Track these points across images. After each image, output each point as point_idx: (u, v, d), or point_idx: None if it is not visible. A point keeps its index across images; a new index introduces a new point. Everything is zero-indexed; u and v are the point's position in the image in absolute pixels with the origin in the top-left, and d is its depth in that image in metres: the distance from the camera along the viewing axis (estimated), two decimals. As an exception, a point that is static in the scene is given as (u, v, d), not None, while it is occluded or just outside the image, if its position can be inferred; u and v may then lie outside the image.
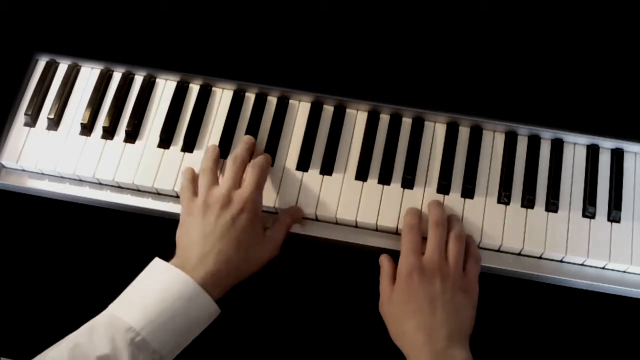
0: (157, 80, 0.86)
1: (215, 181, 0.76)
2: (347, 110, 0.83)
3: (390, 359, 0.74)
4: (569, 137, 0.81)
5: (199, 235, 0.72)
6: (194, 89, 0.85)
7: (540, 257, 0.78)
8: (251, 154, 0.79)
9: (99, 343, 0.65)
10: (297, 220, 0.79)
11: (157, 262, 0.71)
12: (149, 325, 0.66)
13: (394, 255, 0.77)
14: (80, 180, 0.83)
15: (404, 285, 0.72)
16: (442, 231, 0.75)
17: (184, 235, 0.74)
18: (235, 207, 0.73)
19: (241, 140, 0.80)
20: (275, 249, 0.76)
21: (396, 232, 0.79)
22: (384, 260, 0.77)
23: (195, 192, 0.76)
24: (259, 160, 0.77)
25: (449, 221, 0.76)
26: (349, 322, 0.78)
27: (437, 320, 0.69)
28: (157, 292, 0.68)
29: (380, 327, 0.74)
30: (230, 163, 0.76)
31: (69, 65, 0.87)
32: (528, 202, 0.79)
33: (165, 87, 0.86)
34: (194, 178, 0.78)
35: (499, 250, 0.79)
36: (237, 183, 0.75)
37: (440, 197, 0.79)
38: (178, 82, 0.86)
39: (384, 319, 0.74)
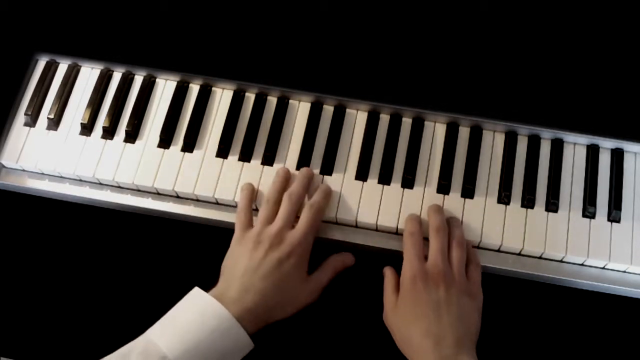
0: (157, 80, 0.86)
1: (273, 216, 0.76)
2: (347, 110, 0.83)
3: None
4: (569, 137, 0.81)
5: (244, 269, 0.72)
6: (194, 89, 0.85)
7: (540, 257, 0.78)
8: (308, 188, 0.78)
9: None
10: (347, 266, 0.78)
11: (197, 293, 0.71)
12: (184, 355, 0.66)
13: (395, 257, 0.77)
14: (80, 180, 0.83)
15: (408, 292, 0.72)
16: (443, 237, 0.75)
17: (229, 265, 0.75)
18: (284, 250, 0.73)
19: (300, 174, 0.79)
20: (315, 293, 0.75)
21: (396, 232, 0.79)
22: (387, 271, 0.77)
23: (250, 221, 0.76)
24: (318, 201, 0.77)
25: (450, 226, 0.76)
26: (349, 322, 0.78)
27: (444, 326, 0.69)
28: (194, 323, 0.68)
29: (381, 326, 0.74)
30: (285, 200, 0.76)
31: (69, 65, 0.87)
32: (528, 202, 0.79)
33: (165, 87, 0.86)
34: (251, 200, 0.78)
35: (499, 250, 0.79)
36: (291, 222, 0.75)
37: (440, 197, 0.79)
38: (178, 82, 0.86)
39: (390, 329, 0.73)
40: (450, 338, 0.68)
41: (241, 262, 0.73)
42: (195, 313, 0.69)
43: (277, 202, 0.76)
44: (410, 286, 0.72)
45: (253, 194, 0.79)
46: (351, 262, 0.78)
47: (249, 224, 0.76)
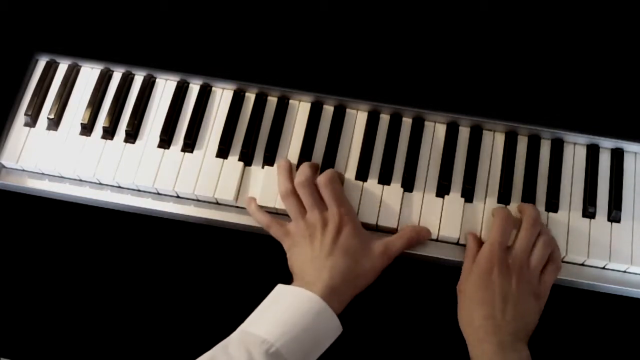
0: (157, 80, 0.86)
1: (302, 205, 0.77)
2: (347, 110, 0.84)
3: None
4: (569, 137, 0.81)
5: (310, 258, 0.74)
6: (194, 89, 0.85)
7: (540, 257, 0.78)
8: (314, 169, 0.79)
9: (235, 355, 0.65)
10: (422, 239, 0.78)
11: (280, 286, 0.73)
12: (282, 337, 0.67)
13: (396, 257, 0.77)
14: (80, 180, 0.83)
15: (482, 273, 0.73)
16: (535, 232, 0.75)
17: (295, 264, 0.76)
18: (333, 226, 0.75)
19: (302, 167, 0.79)
20: (385, 255, 0.75)
21: (396, 232, 0.79)
22: (471, 240, 0.76)
23: (285, 226, 0.77)
24: (325, 175, 0.77)
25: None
26: (350, 322, 0.78)
27: (506, 317, 0.70)
28: (285, 308, 0.69)
29: (382, 326, 0.74)
30: (300, 190, 0.77)
31: (69, 65, 0.87)
32: (528, 202, 0.79)
33: (165, 87, 0.86)
34: (272, 217, 0.78)
35: (499, 250, 0.78)
36: (320, 203, 0.77)
37: (439, 197, 0.79)
38: (178, 82, 0.86)
39: (458, 296, 0.74)
40: (508, 329, 0.70)
41: (305, 255, 0.75)
42: (285, 301, 0.70)
43: (295, 192, 0.77)
44: (485, 269, 0.72)
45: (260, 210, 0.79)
46: (426, 237, 0.78)
47: (288, 227, 0.77)
